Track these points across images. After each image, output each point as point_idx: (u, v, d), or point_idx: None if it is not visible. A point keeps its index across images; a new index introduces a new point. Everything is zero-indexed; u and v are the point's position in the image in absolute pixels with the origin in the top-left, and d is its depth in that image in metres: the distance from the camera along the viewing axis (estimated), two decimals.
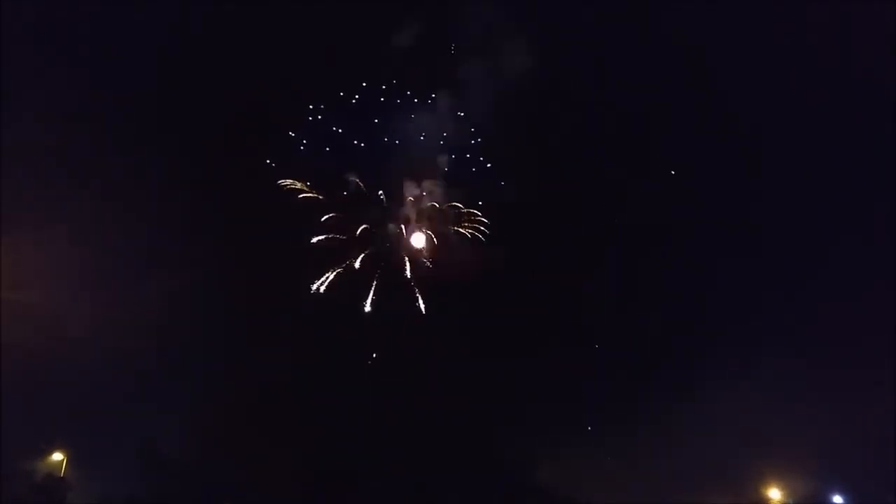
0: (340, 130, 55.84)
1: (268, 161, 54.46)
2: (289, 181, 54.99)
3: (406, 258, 56.62)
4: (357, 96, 56.58)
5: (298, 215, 54.70)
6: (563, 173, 56.49)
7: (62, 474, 46.34)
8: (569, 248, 56.54)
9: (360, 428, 50.87)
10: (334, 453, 50.14)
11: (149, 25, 50.29)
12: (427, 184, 57.93)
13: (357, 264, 55.40)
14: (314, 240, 54.83)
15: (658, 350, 53.53)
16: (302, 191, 55.26)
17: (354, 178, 56.57)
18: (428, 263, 56.96)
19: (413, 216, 57.69)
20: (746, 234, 54.49)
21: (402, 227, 57.47)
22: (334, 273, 54.86)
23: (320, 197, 55.62)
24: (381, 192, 57.13)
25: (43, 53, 48.12)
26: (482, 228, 57.80)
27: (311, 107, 55.13)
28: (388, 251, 56.68)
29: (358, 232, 55.94)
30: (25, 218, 45.07)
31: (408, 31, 54.54)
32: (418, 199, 57.71)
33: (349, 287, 55.07)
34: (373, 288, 55.42)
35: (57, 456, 46.52)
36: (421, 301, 55.94)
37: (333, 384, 51.87)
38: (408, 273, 56.26)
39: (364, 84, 56.54)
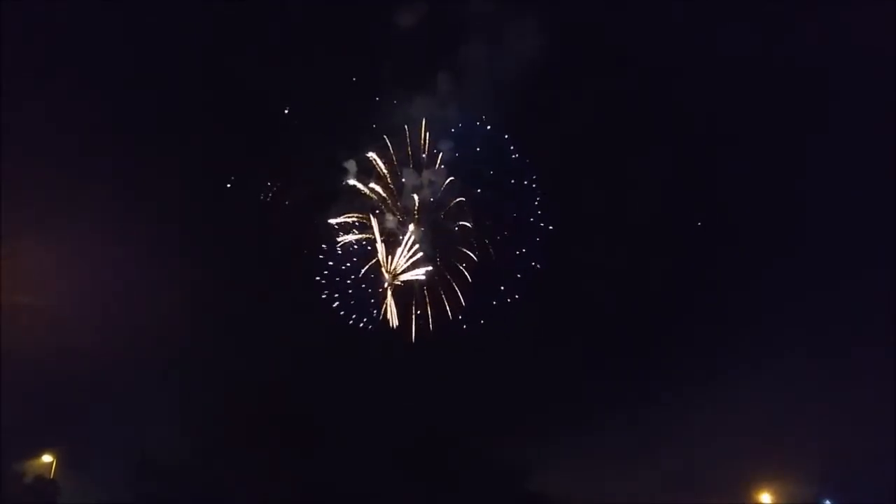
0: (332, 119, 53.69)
1: (262, 159, 53.94)
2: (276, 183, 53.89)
3: (405, 262, 55.51)
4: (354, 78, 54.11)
5: (291, 217, 54.43)
6: (566, 166, 54.82)
7: (52, 476, 46.25)
8: (568, 245, 55.54)
9: (356, 434, 50.75)
10: (330, 460, 50.00)
11: (146, 24, 50.17)
12: (427, 174, 55.18)
13: (352, 265, 54.89)
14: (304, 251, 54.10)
15: (651, 352, 53.48)
16: (294, 189, 54.53)
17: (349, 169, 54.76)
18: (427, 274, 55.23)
19: (413, 212, 55.04)
20: (748, 235, 54.24)
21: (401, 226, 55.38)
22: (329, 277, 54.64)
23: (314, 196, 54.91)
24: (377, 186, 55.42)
25: (44, 53, 48.27)
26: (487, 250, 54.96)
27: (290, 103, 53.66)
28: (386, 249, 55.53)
29: (351, 235, 55.30)
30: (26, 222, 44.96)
31: (407, 11, 52.46)
32: (418, 191, 55.10)
33: (344, 289, 54.89)
34: (367, 292, 55.17)
35: (46, 458, 46.43)
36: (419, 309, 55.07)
37: (330, 390, 51.72)
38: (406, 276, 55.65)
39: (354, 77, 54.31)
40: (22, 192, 44.66)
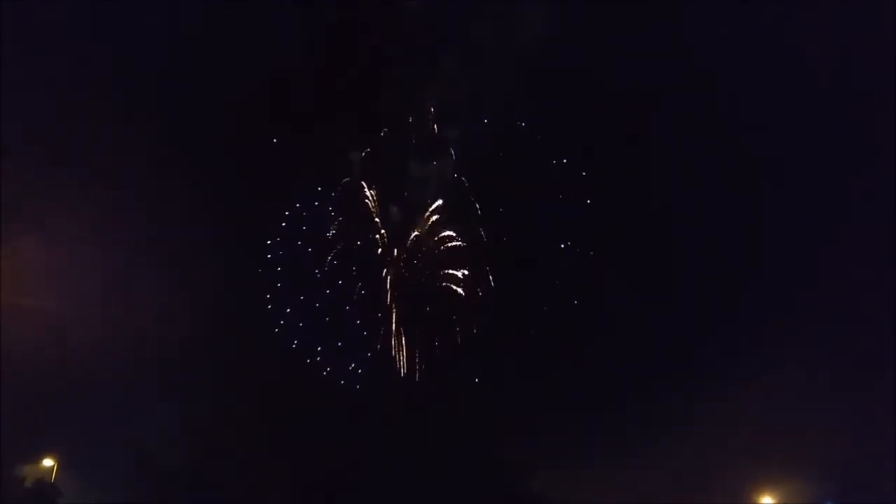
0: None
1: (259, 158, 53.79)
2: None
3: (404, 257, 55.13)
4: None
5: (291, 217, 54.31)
6: (569, 158, 53.91)
7: (52, 480, 46.24)
8: (570, 243, 54.95)
9: (355, 434, 50.70)
10: (330, 460, 49.98)
11: (148, 23, 50.10)
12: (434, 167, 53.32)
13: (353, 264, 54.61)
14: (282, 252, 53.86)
15: (653, 353, 53.29)
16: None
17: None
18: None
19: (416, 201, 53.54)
20: (749, 236, 53.76)
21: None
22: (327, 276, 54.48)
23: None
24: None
25: (45, 51, 48.23)
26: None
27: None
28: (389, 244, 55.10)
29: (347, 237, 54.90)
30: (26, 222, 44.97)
31: None
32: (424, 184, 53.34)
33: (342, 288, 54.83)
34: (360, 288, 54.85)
35: (47, 462, 46.41)
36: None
37: (329, 389, 51.80)
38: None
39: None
40: (22, 192, 44.73)
